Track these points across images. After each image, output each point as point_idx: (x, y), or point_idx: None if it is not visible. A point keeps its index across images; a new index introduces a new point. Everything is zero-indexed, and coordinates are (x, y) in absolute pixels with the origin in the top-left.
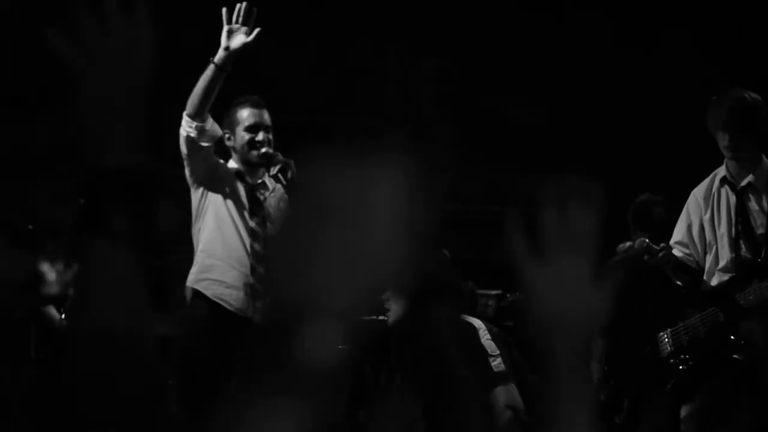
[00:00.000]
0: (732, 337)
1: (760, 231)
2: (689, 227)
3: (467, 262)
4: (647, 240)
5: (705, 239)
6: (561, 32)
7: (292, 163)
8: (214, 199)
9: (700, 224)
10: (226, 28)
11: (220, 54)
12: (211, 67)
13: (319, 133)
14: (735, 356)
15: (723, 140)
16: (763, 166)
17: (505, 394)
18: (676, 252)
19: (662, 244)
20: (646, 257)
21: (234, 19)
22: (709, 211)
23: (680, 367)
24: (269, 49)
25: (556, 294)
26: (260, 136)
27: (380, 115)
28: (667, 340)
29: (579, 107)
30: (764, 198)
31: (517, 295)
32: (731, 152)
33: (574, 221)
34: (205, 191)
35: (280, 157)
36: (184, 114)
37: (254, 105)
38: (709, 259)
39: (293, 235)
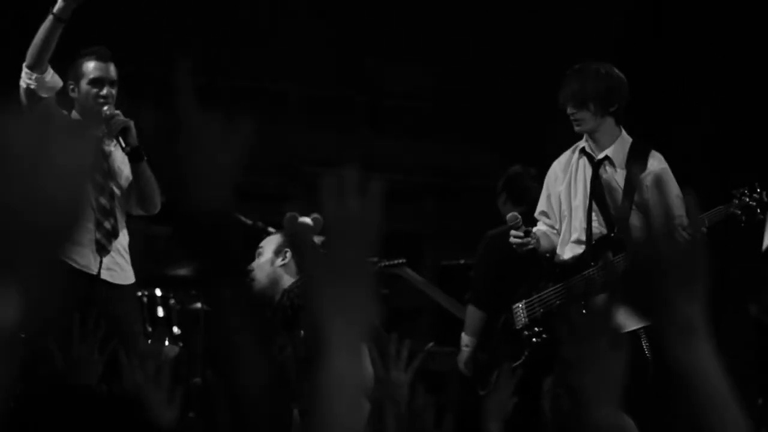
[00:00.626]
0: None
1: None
2: (548, 198)
3: None
4: (519, 216)
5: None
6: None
7: (131, 124)
8: None
9: (558, 195)
10: None
11: (59, 5)
12: (49, 18)
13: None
14: None
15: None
16: (622, 141)
17: None
18: (540, 225)
19: (532, 229)
20: (512, 233)
21: None
22: (565, 182)
23: (533, 340)
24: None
25: (332, 283)
26: (104, 91)
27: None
28: (521, 312)
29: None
30: (620, 172)
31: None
32: (576, 126)
33: (352, 212)
34: None
35: (121, 117)
36: (24, 65)
37: (100, 58)
38: (562, 229)
39: None
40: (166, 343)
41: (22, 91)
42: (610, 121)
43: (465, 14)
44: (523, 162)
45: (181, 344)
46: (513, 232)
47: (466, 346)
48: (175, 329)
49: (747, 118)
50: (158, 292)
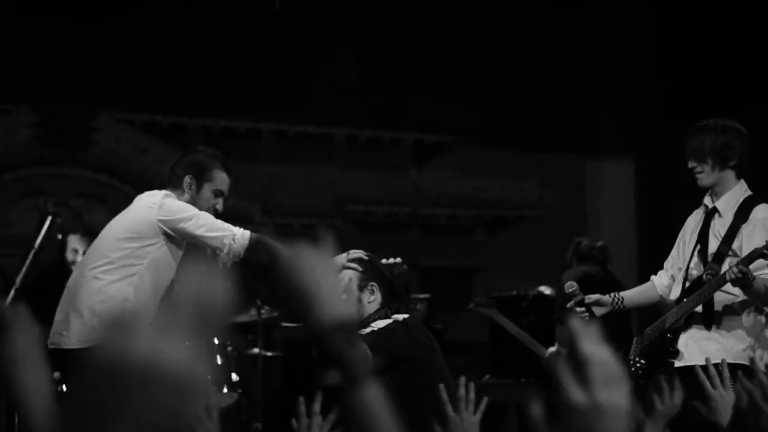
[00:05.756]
0: (669, 346)
1: (711, 252)
2: (677, 247)
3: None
4: (575, 285)
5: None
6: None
7: None
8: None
9: (684, 244)
10: None
11: None
12: None
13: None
14: (670, 360)
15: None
16: (735, 192)
17: None
18: (655, 276)
19: (586, 299)
20: (570, 304)
21: None
22: (688, 232)
23: (632, 369)
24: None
25: None
26: (220, 205)
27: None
28: (635, 344)
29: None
30: (723, 221)
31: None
32: (698, 181)
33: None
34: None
35: None
36: (249, 237)
37: (229, 171)
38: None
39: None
40: (225, 390)
41: (220, 240)
42: (729, 175)
43: (507, 48)
44: (568, 191)
45: (240, 391)
46: (569, 303)
47: (555, 351)
48: (234, 376)
49: None
50: (215, 340)
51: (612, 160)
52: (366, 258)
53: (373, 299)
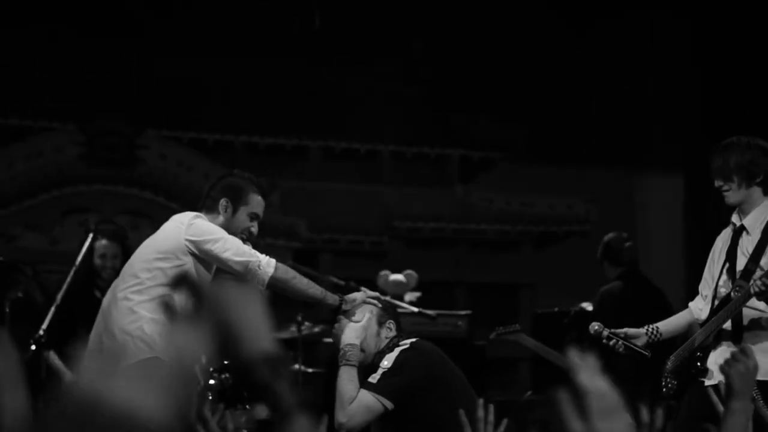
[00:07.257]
0: (698, 364)
1: (739, 269)
2: (708, 266)
3: (442, 281)
4: (596, 326)
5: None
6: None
7: None
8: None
9: (713, 263)
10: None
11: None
12: (335, 299)
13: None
14: (701, 379)
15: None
16: (762, 209)
17: None
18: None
19: (615, 333)
20: (604, 342)
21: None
22: (717, 251)
23: (664, 390)
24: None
25: None
26: (255, 228)
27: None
28: (667, 365)
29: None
30: (753, 241)
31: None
32: (725, 199)
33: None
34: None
35: None
36: (274, 266)
37: (264, 194)
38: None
39: None
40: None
41: (241, 266)
42: (756, 192)
43: (554, 64)
44: (615, 207)
45: None
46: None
47: None
48: None
49: None
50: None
51: (660, 175)
52: (382, 296)
53: (390, 335)
